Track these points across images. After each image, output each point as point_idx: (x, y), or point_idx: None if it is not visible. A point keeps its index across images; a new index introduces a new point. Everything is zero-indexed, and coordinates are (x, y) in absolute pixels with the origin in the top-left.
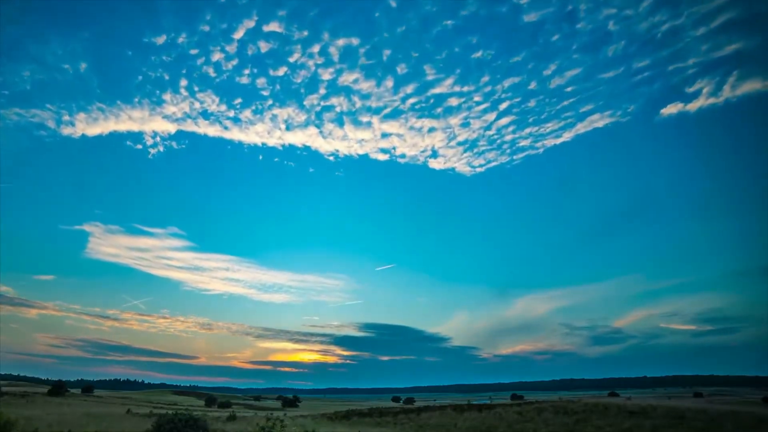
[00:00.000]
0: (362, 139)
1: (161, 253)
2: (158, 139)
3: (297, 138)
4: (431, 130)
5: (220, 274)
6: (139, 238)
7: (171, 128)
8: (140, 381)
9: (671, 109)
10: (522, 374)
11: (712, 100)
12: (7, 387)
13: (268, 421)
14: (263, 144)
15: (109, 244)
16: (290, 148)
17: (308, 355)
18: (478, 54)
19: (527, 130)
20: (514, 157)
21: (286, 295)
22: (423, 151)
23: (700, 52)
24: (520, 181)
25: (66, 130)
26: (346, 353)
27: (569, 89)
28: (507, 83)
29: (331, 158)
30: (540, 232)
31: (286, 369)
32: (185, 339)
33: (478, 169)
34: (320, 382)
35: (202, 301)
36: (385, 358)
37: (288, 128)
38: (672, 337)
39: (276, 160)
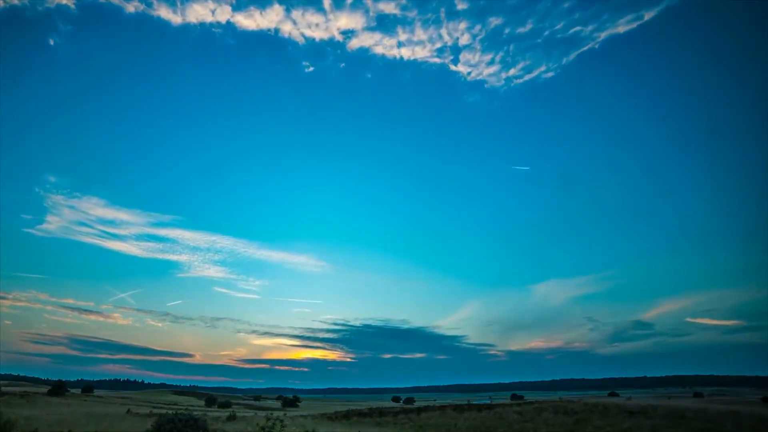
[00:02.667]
0: (350, 30)
1: (135, 230)
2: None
3: (255, 21)
4: (452, 15)
5: (203, 256)
6: (100, 206)
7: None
8: (140, 381)
9: None
10: (532, 373)
11: None
12: (6, 387)
13: (268, 421)
14: (202, 24)
15: (67, 218)
16: (248, 37)
17: (306, 353)
18: None
19: (590, 9)
20: (564, 60)
21: (277, 283)
22: (442, 50)
23: None
24: (564, 99)
25: None
26: (346, 351)
27: None
28: None
29: (309, 68)
30: (570, 197)
31: (284, 368)
32: (177, 335)
33: (516, 81)
34: (320, 381)
35: (190, 291)
36: (388, 356)
37: (240, 5)
38: (701, 334)
39: (227, 60)
